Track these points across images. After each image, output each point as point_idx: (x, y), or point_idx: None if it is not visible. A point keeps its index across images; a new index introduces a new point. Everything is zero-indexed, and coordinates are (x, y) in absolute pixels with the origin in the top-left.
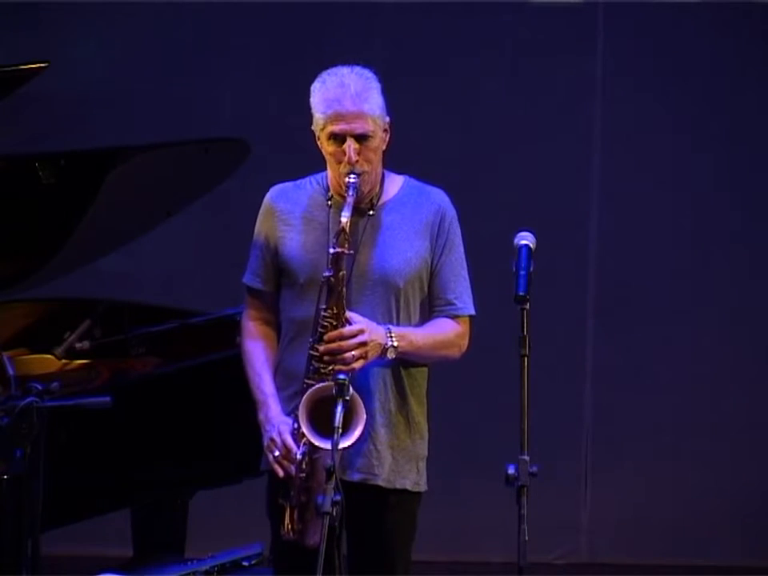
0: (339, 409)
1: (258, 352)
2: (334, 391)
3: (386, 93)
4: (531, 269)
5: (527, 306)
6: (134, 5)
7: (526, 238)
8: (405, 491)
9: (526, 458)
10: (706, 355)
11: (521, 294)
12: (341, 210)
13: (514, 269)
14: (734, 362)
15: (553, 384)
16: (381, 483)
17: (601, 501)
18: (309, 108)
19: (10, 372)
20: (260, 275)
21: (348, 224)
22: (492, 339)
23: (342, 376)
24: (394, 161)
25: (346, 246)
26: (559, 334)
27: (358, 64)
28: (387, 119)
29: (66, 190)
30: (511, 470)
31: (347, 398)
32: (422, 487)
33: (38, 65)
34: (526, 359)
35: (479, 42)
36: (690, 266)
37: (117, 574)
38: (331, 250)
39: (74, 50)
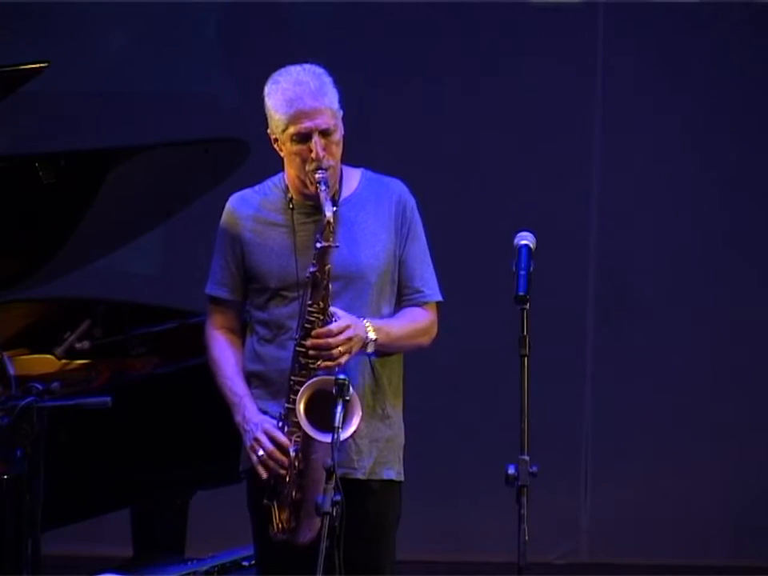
0: (339, 409)
1: (226, 357)
2: (334, 391)
3: (382, 92)
4: (531, 269)
5: (527, 306)
6: (134, 5)
7: (525, 238)
8: (390, 481)
9: (526, 457)
10: (705, 356)
11: (521, 293)
12: (323, 206)
13: (514, 269)
14: (733, 363)
15: (553, 384)
16: (360, 476)
17: (601, 501)
18: None
19: (11, 372)
20: (225, 284)
21: (332, 217)
22: (492, 339)
23: (342, 376)
24: (393, 160)
25: (332, 239)
26: (559, 334)
27: (307, 62)
28: (341, 112)
29: (66, 190)
30: (511, 470)
31: (347, 398)
32: (402, 476)
33: (38, 65)
34: (526, 359)
35: (479, 42)
36: (690, 266)
37: (117, 574)
38: (318, 245)
39: (74, 49)
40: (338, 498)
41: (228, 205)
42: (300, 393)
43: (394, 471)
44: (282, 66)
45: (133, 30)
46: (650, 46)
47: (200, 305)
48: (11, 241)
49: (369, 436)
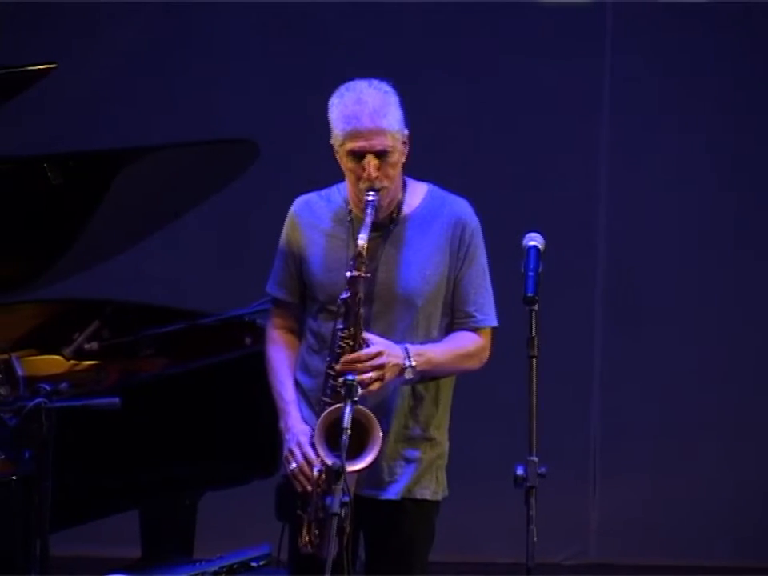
0: (348, 410)
1: (280, 359)
2: (342, 392)
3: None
4: (540, 270)
5: (536, 307)
6: (139, 4)
7: (534, 239)
8: (424, 501)
9: (535, 458)
10: (712, 356)
11: (529, 294)
12: (359, 230)
13: (523, 270)
14: (740, 364)
15: (561, 385)
16: (392, 497)
17: (609, 502)
18: (317, 108)
19: (19, 373)
20: (285, 286)
21: (365, 247)
22: (500, 340)
23: (350, 377)
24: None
25: (363, 269)
26: (567, 335)
27: (375, 77)
28: (406, 132)
29: (75, 191)
30: (520, 471)
31: (356, 398)
32: (441, 495)
33: (46, 66)
34: (534, 360)
35: (486, 42)
36: (698, 266)
37: (125, 574)
38: (348, 274)
39: (81, 51)
40: (347, 498)
41: (292, 209)
42: (320, 421)
43: (429, 491)
44: (289, 65)
45: (141, 30)
46: (658, 46)
47: (209, 305)
48: (20, 242)
49: (404, 458)
